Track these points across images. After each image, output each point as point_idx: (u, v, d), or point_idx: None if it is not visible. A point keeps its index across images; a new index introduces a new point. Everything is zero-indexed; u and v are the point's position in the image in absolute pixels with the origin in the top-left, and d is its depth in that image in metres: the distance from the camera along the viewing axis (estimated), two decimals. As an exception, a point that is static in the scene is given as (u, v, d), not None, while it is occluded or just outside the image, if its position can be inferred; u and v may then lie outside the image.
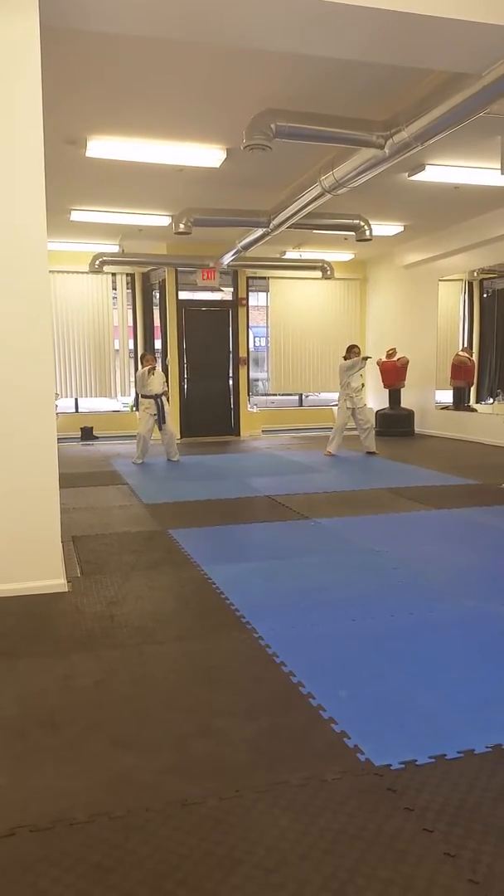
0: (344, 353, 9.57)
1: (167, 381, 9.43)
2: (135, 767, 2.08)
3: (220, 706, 2.45)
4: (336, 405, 9.83)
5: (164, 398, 8.79)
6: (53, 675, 2.72)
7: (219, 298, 12.41)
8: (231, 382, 12.39)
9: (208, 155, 6.70)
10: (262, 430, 12.69)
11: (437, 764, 2.07)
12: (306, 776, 2.02)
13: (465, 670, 2.73)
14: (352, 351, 9.44)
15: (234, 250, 10.25)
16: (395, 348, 11.67)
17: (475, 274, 11.56)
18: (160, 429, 8.80)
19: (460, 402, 11.61)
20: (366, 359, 9.62)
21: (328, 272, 12.11)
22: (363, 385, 9.77)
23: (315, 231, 9.43)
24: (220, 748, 2.18)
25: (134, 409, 9.08)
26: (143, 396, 8.81)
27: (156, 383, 8.74)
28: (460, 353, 11.68)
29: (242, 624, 3.22)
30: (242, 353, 12.35)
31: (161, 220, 9.31)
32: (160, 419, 8.73)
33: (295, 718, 2.35)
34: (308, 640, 3.05)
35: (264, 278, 13.00)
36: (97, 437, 11.93)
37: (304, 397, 14.07)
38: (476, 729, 2.28)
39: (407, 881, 1.61)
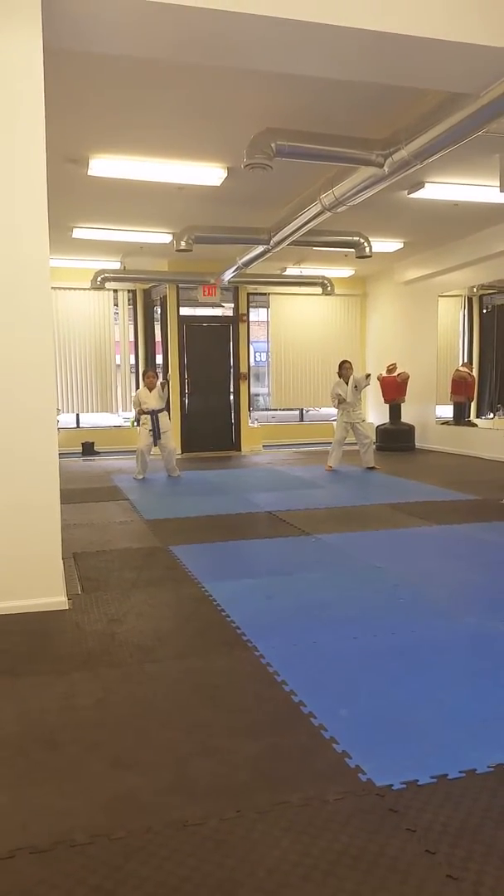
0: (338, 371, 9.58)
1: (169, 397, 9.44)
2: (135, 788, 2.07)
3: (221, 726, 2.44)
4: (336, 420, 9.85)
5: (159, 415, 8.79)
6: (54, 694, 2.71)
7: (219, 314, 12.47)
8: (232, 398, 12.42)
9: (209, 173, 6.76)
10: (263, 445, 12.70)
11: (438, 784, 2.06)
12: (307, 797, 2.01)
13: (466, 688, 2.72)
14: (343, 367, 9.46)
15: (235, 267, 10.32)
16: (395, 363, 11.70)
17: (475, 290, 11.61)
18: (155, 444, 8.83)
19: (460, 417, 11.63)
20: (368, 376, 9.62)
21: (328, 288, 12.19)
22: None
23: (315, 248, 9.50)
24: (221, 768, 2.16)
25: (135, 424, 9.11)
26: (142, 412, 8.84)
27: (153, 399, 8.77)
28: (460, 368, 11.71)
29: (243, 641, 3.21)
30: (243, 369, 12.39)
31: (162, 237, 9.38)
32: (154, 435, 8.76)
33: (296, 738, 2.34)
34: (309, 658, 3.04)
35: (265, 294, 13.08)
36: (98, 453, 11.94)
37: (304, 412, 14.10)
38: (478, 748, 2.26)
39: (409, 904, 1.60)
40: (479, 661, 3.01)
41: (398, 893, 1.63)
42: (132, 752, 2.28)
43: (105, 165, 6.46)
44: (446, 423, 11.73)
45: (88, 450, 11.96)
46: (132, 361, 13.14)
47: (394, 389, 11.68)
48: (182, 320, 11.93)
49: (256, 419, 13.30)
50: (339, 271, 12.43)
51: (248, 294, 12.56)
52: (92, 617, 3.59)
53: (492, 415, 11.58)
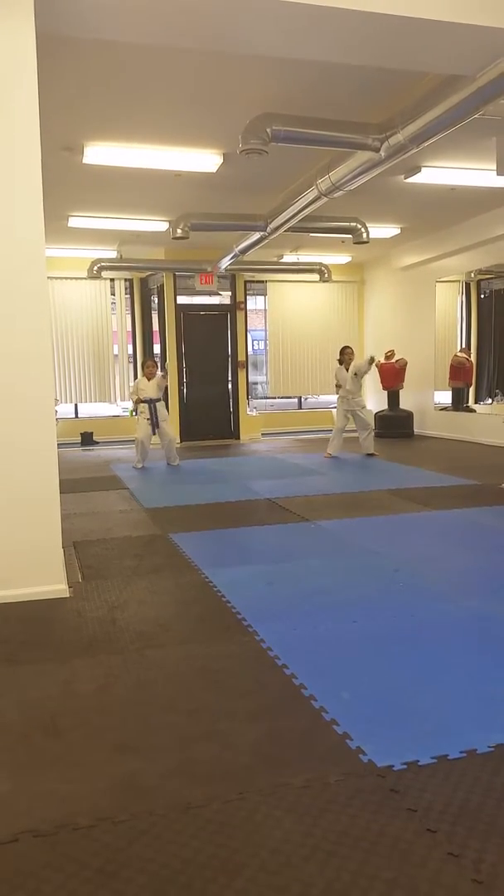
0: (339, 357, 9.54)
1: (167, 387, 9.42)
2: (138, 772, 2.08)
3: (223, 709, 2.45)
4: (335, 407, 9.83)
5: (157, 404, 8.76)
6: (55, 681, 2.73)
7: (217, 302, 12.43)
8: (230, 386, 12.40)
9: (205, 160, 6.72)
10: (262, 434, 12.69)
11: (439, 764, 2.07)
12: (309, 778, 2.02)
13: (466, 670, 2.74)
14: (345, 353, 9.42)
15: (232, 254, 10.27)
16: (393, 350, 11.68)
17: (472, 275, 11.57)
18: (154, 432, 8.82)
19: (459, 403, 11.62)
20: (372, 360, 9.47)
21: (326, 275, 12.14)
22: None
23: (312, 234, 9.45)
24: (223, 751, 2.18)
25: (134, 413, 9.10)
26: (140, 401, 8.83)
27: (151, 388, 8.76)
28: (458, 353, 11.69)
29: (244, 627, 3.22)
30: (241, 357, 12.36)
31: (159, 225, 9.33)
32: (153, 423, 8.75)
33: (297, 721, 2.35)
34: (310, 643, 3.05)
35: (262, 282, 13.03)
36: (97, 443, 11.94)
37: (303, 400, 14.09)
38: (478, 729, 2.28)
39: (411, 882, 1.61)
40: (478, 643, 3.03)
41: (400, 872, 1.64)
42: (134, 736, 2.30)
43: (100, 153, 6.42)
44: (445, 409, 11.73)
45: (87, 440, 11.94)
46: (130, 351, 13.11)
47: (392, 376, 11.67)
48: (179, 309, 11.90)
49: (255, 407, 13.29)
50: (336, 258, 12.38)
51: (246, 282, 12.51)
52: (93, 604, 3.60)
53: (490, 400, 11.58)
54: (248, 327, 12.94)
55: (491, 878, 1.61)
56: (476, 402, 11.70)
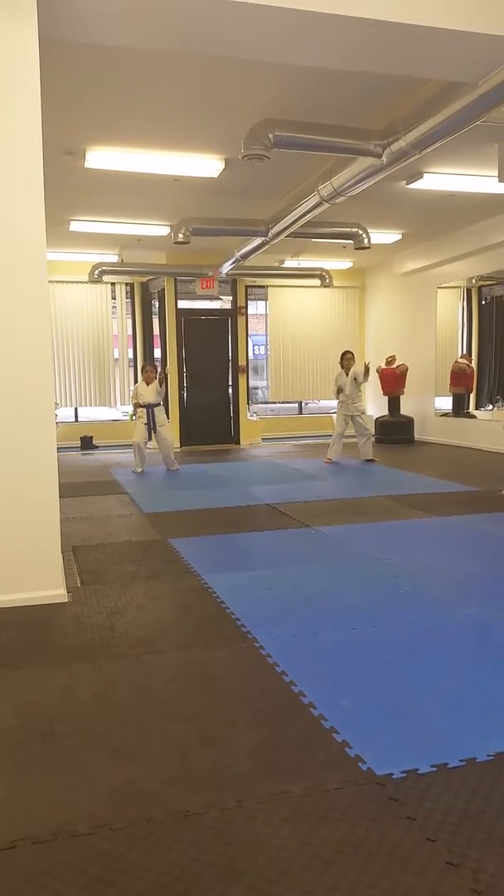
0: (340, 361, 9.54)
1: (167, 391, 9.41)
2: (136, 778, 2.07)
3: (222, 716, 2.45)
4: (335, 412, 9.83)
5: (154, 409, 8.76)
6: (53, 686, 2.72)
7: (218, 307, 12.44)
8: (230, 391, 12.40)
9: (207, 165, 6.73)
10: (262, 438, 12.69)
11: (439, 773, 2.06)
12: (308, 786, 2.01)
13: (466, 678, 2.73)
14: (345, 357, 9.43)
15: (233, 259, 10.29)
16: (394, 356, 11.69)
17: (473, 281, 11.58)
18: (150, 438, 8.81)
19: (460, 409, 11.62)
20: (367, 369, 9.44)
21: (327, 280, 12.16)
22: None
23: (313, 239, 9.47)
24: (222, 758, 2.17)
25: (133, 417, 9.10)
26: (139, 406, 8.83)
27: (149, 393, 8.76)
28: (459, 359, 11.70)
29: (243, 633, 3.21)
30: (242, 362, 12.36)
31: (160, 229, 9.35)
32: (150, 427, 8.75)
33: (296, 728, 2.34)
34: (309, 650, 3.04)
35: (263, 287, 13.04)
36: (97, 447, 11.93)
37: (303, 405, 14.09)
38: (478, 737, 2.27)
39: (409, 891, 1.60)
40: (478, 650, 3.02)
41: (399, 881, 1.63)
42: (133, 742, 2.29)
43: (102, 157, 6.42)
44: (445, 414, 11.72)
45: (87, 444, 11.94)
46: (130, 355, 13.11)
47: (393, 381, 11.67)
48: (180, 313, 11.91)
49: (255, 412, 13.28)
50: (337, 263, 12.39)
51: (247, 287, 12.52)
52: (91, 609, 3.59)
53: (491, 406, 11.58)
54: (249, 332, 12.95)
55: (490, 888, 1.60)
56: (477, 409, 11.69)
